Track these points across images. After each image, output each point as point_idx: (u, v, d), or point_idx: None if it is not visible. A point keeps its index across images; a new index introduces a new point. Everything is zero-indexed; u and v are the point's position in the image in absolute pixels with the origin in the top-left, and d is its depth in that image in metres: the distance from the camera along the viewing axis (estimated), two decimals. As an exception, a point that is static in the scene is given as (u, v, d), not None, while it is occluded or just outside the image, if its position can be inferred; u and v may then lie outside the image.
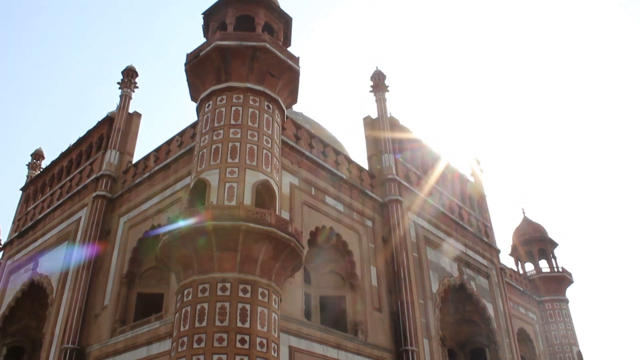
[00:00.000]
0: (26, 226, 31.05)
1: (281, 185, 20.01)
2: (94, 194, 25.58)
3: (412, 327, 23.05)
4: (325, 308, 22.42)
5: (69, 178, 29.62)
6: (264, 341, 15.59)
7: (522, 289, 40.17)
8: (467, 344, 29.46)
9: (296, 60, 21.07)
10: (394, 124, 29.18)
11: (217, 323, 15.39)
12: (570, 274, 43.90)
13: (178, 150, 23.14)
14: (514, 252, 45.94)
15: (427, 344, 23.98)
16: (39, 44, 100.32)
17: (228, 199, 17.29)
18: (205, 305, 15.69)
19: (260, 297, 16.05)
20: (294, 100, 22.03)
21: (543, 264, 44.51)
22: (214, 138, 18.81)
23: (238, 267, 16.06)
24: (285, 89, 20.93)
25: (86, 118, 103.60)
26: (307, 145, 23.42)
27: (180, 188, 21.78)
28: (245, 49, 19.91)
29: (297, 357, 18.68)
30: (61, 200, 28.69)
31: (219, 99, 19.73)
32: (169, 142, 24.30)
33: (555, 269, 43.85)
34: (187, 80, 21.11)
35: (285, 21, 22.66)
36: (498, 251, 33.18)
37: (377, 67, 30.59)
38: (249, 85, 19.82)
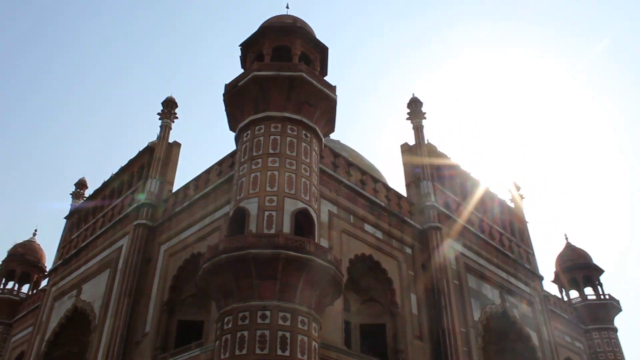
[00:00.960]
0: (70, 254, 31.71)
1: (320, 214, 20.06)
2: (135, 222, 26.04)
3: (454, 355, 22.60)
4: (365, 336, 22.21)
5: (111, 207, 30.23)
6: (304, 370, 15.50)
7: (567, 317, 39.00)
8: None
9: (333, 89, 21.25)
10: (431, 151, 29.04)
11: (258, 351, 15.37)
12: (617, 302, 42.42)
13: (217, 179, 23.42)
14: (557, 280, 44.64)
15: (470, 373, 23.50)
16: (84, 77, 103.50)
17: (267, 227, 17.40)
18: (246, 333, 15.71)
19: (300, 325, 16.01)
20: (331, 129, 22.18)
21: (588, 291, 43.20)
22: (253, 167, 19.01)
23: (277, 295, 16.08)
24: (322, 118, 21.09)
25: (128, 148, 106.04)
26: (345, 174, 23.46)
27: (219, 216, 22.00)
28: (282, 78, 20.19)
29: (338, 386, 18.51)
30: (103, 229, 29.26)
31: (257, 128, 19.97)
32: (208, 171, 24.63)
33: (602, 297, 42.48)
34: (226, 110, 21.46)
35: (321, 50, 22.93)
36: (541, 278, 32.43)
37: (413, 94, 30.61)
38: (286, 114, 20.03)
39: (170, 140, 29.49)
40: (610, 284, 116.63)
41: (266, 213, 17.73)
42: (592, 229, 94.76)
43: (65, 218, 35.84)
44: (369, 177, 24.89)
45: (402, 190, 27.14)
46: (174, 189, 27.35)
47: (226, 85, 21.39)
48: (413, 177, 27.60)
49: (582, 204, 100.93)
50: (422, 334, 22.83)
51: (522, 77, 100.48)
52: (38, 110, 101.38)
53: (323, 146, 21.65)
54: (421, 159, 27.96)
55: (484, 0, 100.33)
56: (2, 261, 44.39)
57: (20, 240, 45.49)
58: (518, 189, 36.84)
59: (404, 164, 28.44)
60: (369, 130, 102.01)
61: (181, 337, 22.15)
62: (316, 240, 18.12)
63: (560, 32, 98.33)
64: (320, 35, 23.32)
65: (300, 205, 18.27)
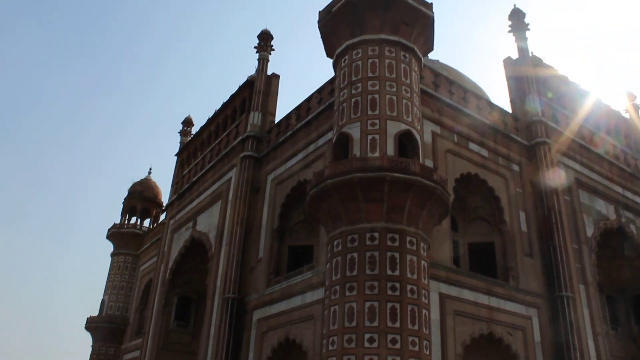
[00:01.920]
0: (183, 188, 33.51)
1: (423, 135, 19.84)
2: (241, 155, 26.96)
3: (566, 272, 22.18)
4: (474, 255, 22.21)
5: (217, 141, 31.39)
6: (414, 288, 15.77)
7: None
8: (628, 290, 27.81)
9: (429, 6, 20.48)
10: (536, 63, 27.59)
11: (368, 271, 15.75)
12: None
13: (318, 106, 23.61)
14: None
15: (584, 290, 23.02)
16: (180, 15, 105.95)
17: (371, 151, 17.45)
18: (355, 255, 16.10)
19: (408, 245, 16.20)
20: (430, 47, 21.52)
21: None
22: (353, 92, 18.94)
23: (385, 217, 16.26)
24: (420, 37, 20.49)
25: (228, 84, 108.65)
26: (447, 93, 22.90)
27: (322, 143, 22.32)
28: (376, 0, 19.68)
29: (448, 304, 18.75)
30: (212, 163, 30.54)
31: (354, 52, 19.74)
32: (308, 100, 24.86)
33: None
34: (322, 37, 21.30)
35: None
36: (661, 190, 30.66)
37: (514, 5, 28.97)
38: (383, 36, 19.59)
39: (269, 72, 29.89)
40: None
41: (369, 137, 17.74)
42: None
43: (175, 155, 37.69)
44: (472, 94, 24.14)
45: (507, 107, 26.19)
46: (276, 120, 27.93)
47: (320, 12, 21.15)
48: (518, 92, 26.48)
49: None
50: (532, 251, 22.49)
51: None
52: (149, 58, 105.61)
53: (422, 66, 21.14)
54: (526, 72, 26.70)
55: None
56: (124, 199, 47.75)
57: (137, 179, 48.61)
58: (633, 99, 34.54)
59: (508, 79, 27.26)
60: (468, 47, 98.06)
61: (293, 262, 23.17)
62: (421, 161, 18.01)
63: None
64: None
65: (403, 127, 18.11)
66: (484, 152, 22.85)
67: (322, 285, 18.27)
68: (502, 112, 25.06)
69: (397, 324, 15.05)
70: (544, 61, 28.14)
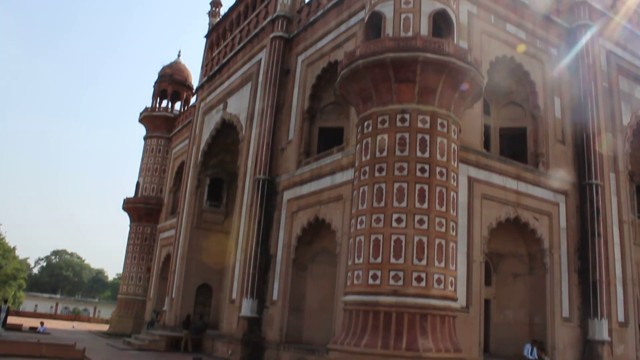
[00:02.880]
0: (213, 70, 33.29)
1: (458, 14, 19.01)
2: (271, 35, 26.43)
3: (597, 160, 21.95)
4: (505, 139, 22.03)
5: (247, 22, 30.73)
6: (444, 170, 15.76)
7: None
8: (659, 179, 27.53)
9: None
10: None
11: (397, 153, 15.68)
12: None
13: (350, -16, 22.72)
14: None
15: (614, 178, 22.86)
16: None
17: (404, 31, 16.87)
18: (385, 136, 15.99)
19: (439, 128, 16.01)
20: None
21: None
22: (387, -33, 18.04)
23: (416, 98, 15.98)
24: None
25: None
26: (485, -31, 21.72)
27: (354, 23, 21.69)
28: None
29: (476, 187, 18.87)
30: (242, 44, 30.08)
31: None
32: (340, -23, 23.87)
33: None
34: None
35: None
36: None
37: None
38: None
39: (298, -50, 28.58)
40: None
41: (402, 16, 17.07)
42: None
43: (205, 37, 37.13)
44: (512, -28, 22.88)
45: (550, -13, 24.83)
46: (307, -1, 27.06)
47: None
48: (562, -29, 25.02)
49: None
50: (565, 138, 22.18)
51: None
52: None
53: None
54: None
55: None
56: (154, 82, 47.80)
57: (167, 63, 48.36)
58: (686, -21, 32.40)
59: (553, -43, 25.67)
60: None
61: (323, 143, 23.31)
62: (455, 42, 17.43)
63: None
64: None
65: (438, 5, 17.35)
66: (522, 35, 21.96)
67: (351, 166, 18.45)
68: (544, -8, 23.81)
69: (425, 205, 15.17)
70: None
